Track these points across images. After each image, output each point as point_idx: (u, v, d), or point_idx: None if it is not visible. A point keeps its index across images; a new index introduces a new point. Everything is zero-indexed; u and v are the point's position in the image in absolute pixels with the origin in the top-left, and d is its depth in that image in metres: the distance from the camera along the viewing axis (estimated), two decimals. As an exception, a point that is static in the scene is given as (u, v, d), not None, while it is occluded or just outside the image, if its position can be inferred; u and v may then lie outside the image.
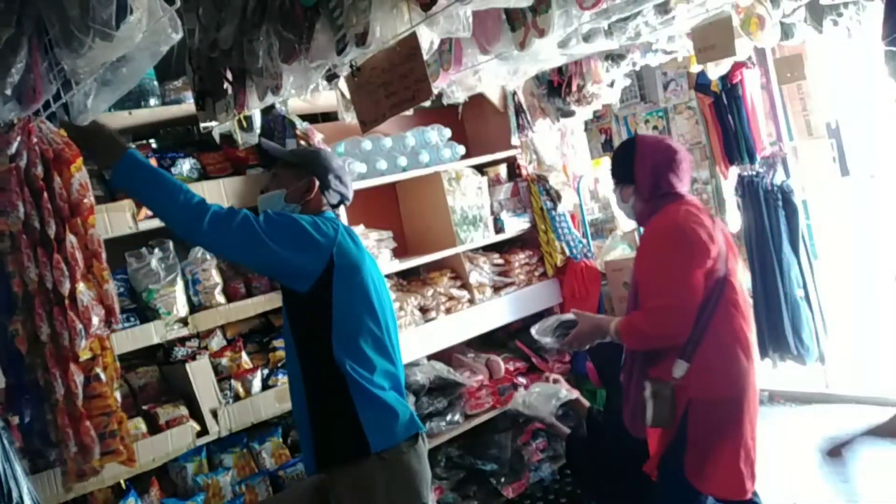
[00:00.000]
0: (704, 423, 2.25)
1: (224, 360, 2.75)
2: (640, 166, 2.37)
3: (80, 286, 1.86)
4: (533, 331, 2.58)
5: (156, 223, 2.54)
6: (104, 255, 1.94)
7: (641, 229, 2.54)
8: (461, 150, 3.58)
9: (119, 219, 2.47)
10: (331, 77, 2.21)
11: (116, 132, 1.96)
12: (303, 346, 2.11)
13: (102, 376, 1.92)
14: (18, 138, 1.84)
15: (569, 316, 2.50)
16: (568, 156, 4.03)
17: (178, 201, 1.91)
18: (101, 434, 1.91)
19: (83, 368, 1.89)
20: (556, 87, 3.65)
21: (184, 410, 2.55)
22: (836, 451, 2.53)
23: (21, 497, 1.91)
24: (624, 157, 2.45)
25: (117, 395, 1.97)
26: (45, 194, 1.86)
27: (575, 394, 3.13)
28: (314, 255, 2.04)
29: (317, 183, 2.23)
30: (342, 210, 2.85)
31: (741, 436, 2.27)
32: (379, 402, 2.08)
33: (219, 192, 2.68)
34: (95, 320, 1.87)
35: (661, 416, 2.26)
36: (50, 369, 1.87)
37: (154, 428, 2.51)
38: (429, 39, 1.82)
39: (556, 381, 3.23)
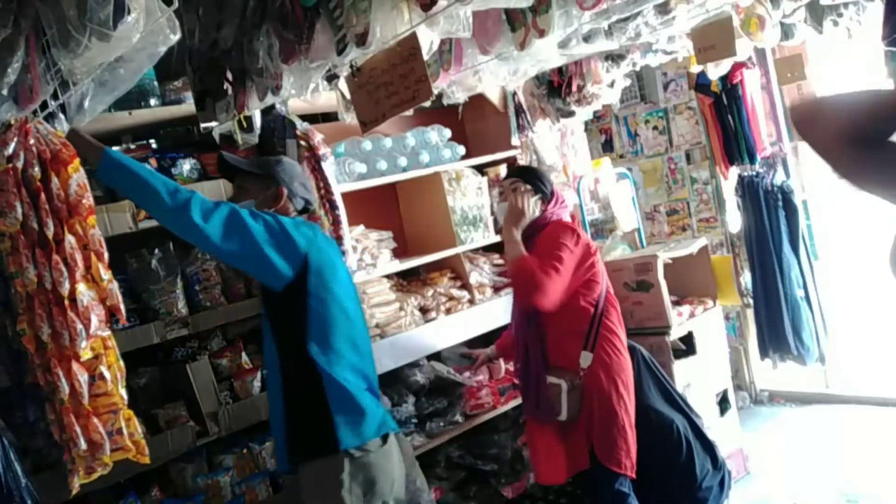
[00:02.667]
0: (604, 409, 2.52)
1: (224, 361, 2.75)
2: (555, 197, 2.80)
3: (81, 286, 1.86)
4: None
5: (156, 223, 2.54)
6: (106, 255, 1.95)
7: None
8: (461, 150, 3.58)
9: (119, 219, 2.46)
10: (331, 77, 2.21)
11: (88, 135, 1.99)
12: (281, 344, 2.16)
13: (107, 374, 1.93)
14: (15, 139, 1.83)
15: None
16: (568, 156, 4.01)
17: (162, 196, 1.94)
18: (108, 432, 1.92)
19: (87, 367, 1.89)
20: (556, 88, 3.64)
21: (184, 411, 2.55)
22: None
23: (21, 497, 1.91)
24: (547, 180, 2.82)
25: (123, 392, 1.97)
26: (43, 195, 1.86)
27: None
28: (292, 254, 2.09)
29: (285, 191, 2.28)
30: (342, 210, 2.85)
31: (632, 417, 2.57)
32: (352, 401, 2.13)
33: (219, 192, 2.68)
34: (95, 320, 1.87)
35: (573, 410, 2.52)
36: (52, 369, 1.87)
37: (154, 428, 2.51)
38: (429, 39, 1.82)
39: None
